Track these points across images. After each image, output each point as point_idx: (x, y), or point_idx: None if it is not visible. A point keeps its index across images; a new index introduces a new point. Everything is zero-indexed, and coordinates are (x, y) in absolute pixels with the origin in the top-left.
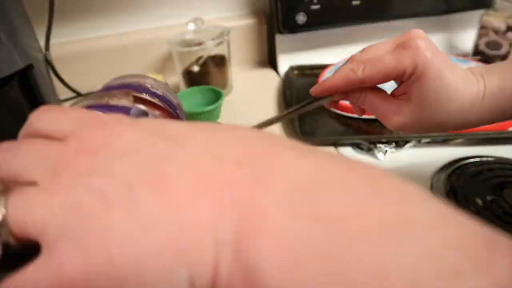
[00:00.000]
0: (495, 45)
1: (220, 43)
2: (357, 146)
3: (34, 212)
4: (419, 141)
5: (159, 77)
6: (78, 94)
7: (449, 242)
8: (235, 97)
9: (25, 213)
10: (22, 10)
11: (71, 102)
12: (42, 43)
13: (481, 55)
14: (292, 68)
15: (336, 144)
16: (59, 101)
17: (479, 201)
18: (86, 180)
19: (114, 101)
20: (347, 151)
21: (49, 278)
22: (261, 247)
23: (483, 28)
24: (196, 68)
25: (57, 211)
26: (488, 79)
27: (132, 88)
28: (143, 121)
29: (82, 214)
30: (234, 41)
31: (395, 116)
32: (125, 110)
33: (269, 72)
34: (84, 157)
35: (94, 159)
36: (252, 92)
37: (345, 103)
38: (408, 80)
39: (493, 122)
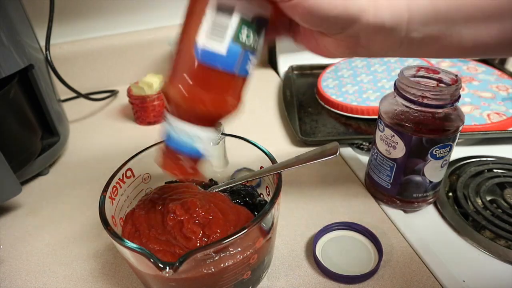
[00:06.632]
0: None
1: None
2: (357, 146)
3: None
4: None
5: (159, 77)
6: (78, 94)
7: None
8: None
9: None
10: (22, 10)
11: (71, 102)
12: (42, 43)
13: None
14: (292, 68)
15: None
16: (59, 101)
17: (479, 201)
18: None
19: None
20: (347, 151)
21: None
22: None
23: None
24: None
25: None
26: None
27: None
28: None
29: None
30: None
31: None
32: None
33: (269, 72)
34: None
35: None
36: (252, 92)
37: (345, 103)
38: None
39: None
